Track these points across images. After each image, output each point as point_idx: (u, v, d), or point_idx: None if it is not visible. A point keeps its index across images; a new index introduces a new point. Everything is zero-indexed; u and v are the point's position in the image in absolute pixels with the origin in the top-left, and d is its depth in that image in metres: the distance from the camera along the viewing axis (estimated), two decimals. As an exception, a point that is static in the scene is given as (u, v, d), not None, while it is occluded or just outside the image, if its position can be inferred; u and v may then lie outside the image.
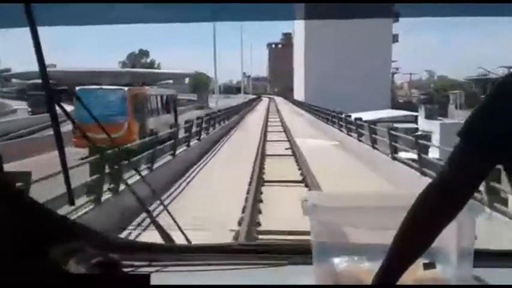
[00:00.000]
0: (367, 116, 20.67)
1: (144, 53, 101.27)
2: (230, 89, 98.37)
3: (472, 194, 0.93)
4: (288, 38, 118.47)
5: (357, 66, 55.91)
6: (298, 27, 65.65)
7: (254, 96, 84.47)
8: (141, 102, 19.40)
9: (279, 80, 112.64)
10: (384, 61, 60.18)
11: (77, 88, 18.41)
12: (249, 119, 39.59)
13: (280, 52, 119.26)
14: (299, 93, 64.92)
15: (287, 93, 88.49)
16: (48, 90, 1.22)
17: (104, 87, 18.71)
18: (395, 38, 66.74)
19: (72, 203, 1.37)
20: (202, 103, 55.52)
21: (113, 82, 21.06)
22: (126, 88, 18.51)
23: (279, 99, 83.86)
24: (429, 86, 76.55)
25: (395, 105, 48.89)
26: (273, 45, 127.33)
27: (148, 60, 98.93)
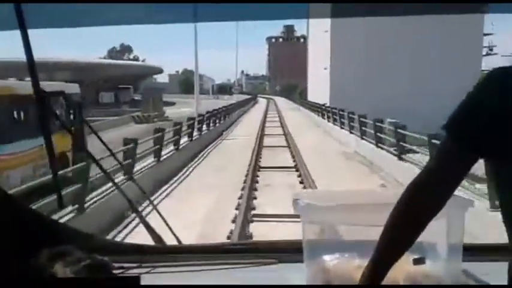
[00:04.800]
0: None
1: (126, 49, 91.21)
2: (224, 89, 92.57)
3: (456, 187, 0.94)
4: (289, 30, 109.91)
5: (422, 48, 31.32)
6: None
7: (244, 97, 59.75)
8: None
9: (280, 77, 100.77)
10: (472, 35, 31.57)
11: None
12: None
13: (282, 46, 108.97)
14: (318, 94, 39.40)
15: (291, 92, 71.87)
16: (39, 92, 1.20)
17: None
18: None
19: (61, 206, 1.36)
20: (149, 111, 33.41)
21: (50, 78, 15.37)
22: None
23: (281, 101, 60.58)
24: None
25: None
26: (273, 39, 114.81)
27: (132, 56, 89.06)
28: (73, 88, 13.03)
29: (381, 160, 12.29)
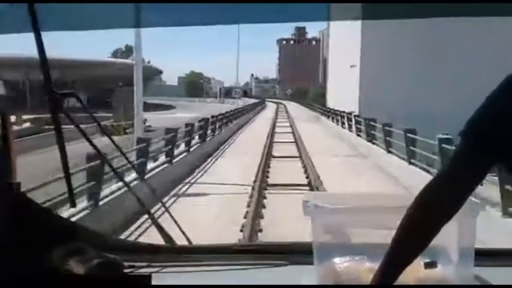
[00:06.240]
0: None
1: (131, 50, 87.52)
2: (231, 93, 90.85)
3: (471, 193, 0.93)
4: (301, 32, 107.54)
5: (488, 47, 23.08)
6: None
7: (252, 101, 51.17)
8: None
9: (291, 81, 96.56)
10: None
11: None
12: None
13: (293, 49, 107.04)
14: (341, 98, 30.14)
15: (303, 97, 70.03)
16: (52, 94, 1.22)
17: None
18: None
19: (73, 205, 1.37)
20: (121, 118, 26.49)
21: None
22: None
23: (294, 108, 52.64)
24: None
25: None
26: (284, 41, 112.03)
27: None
28: None
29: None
